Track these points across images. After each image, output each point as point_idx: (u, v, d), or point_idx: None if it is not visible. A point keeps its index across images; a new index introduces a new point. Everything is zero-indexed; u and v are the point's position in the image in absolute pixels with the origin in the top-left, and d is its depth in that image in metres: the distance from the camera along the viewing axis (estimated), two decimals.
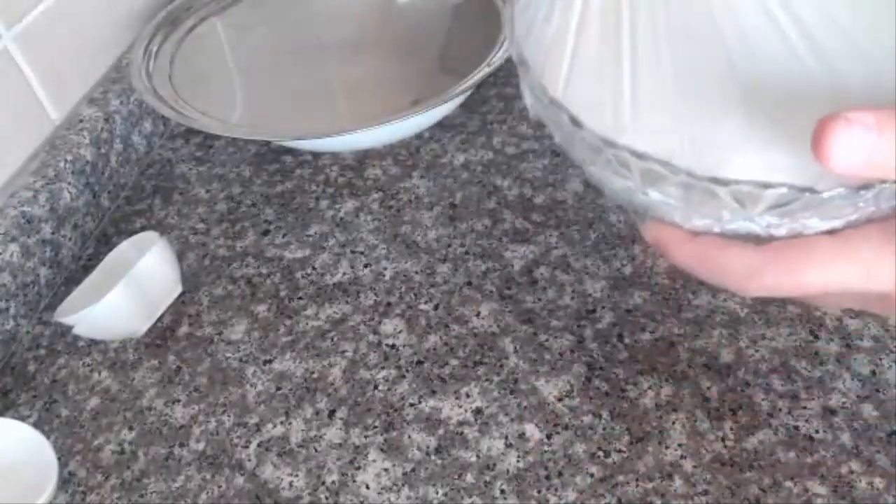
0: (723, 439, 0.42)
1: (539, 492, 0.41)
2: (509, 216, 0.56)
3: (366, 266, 0.55)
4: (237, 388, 0.49)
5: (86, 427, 0.48)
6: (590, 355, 0.47)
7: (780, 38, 0.23)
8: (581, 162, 0.28)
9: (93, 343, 0.53)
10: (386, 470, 0.43)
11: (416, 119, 0.57)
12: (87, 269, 0.56)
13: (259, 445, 0.45)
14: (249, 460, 0.45)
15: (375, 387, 0.47)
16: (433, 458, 0.43)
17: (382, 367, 0.48)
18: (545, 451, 0.43)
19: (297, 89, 0.67)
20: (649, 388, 0.45)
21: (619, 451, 0.42)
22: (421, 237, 0.56)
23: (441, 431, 0.44)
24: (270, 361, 0.50)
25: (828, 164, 0.21)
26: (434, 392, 0.46)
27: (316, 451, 0.45)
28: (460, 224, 0.57)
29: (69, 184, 0.59)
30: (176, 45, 0.68)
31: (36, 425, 0.47)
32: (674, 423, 0.43)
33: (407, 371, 0.48)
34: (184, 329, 0.53)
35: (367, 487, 0.42)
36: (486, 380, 0.46)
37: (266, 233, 0.59)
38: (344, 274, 0.55)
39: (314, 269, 0.55)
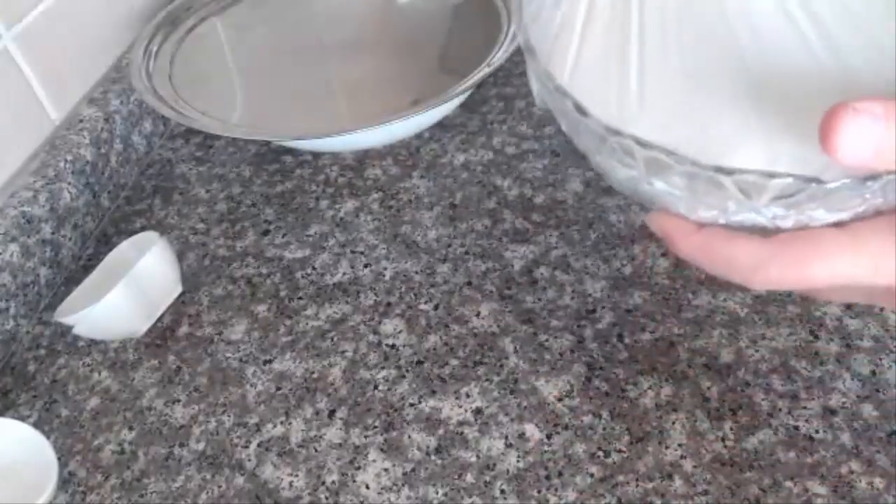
0: (723, 439, 0.42)
1: (539, 492, 0.41)
2: (509, 216, 0.56)
3: (366, 266, 0.55)
4: (237, 388, 0.49)
5: (86, 427, 0.48)
6: (590, 355, 0.47)
7: (792, 28, 0.23)
8: (586, 151, 0.28)
9: (93, 343, 0.53)
10: (386, 470, 0.43)
11: (416, 119, 0.57)
12: (87, 269, 0.56)
13: (259, 445, 0.45)
14: (249, 460, 0.45)
15: (375, 387, 0.47)
16: (433, 458, 0.43)
17: (382, 367, 0.48)
18: (545, 451, 0.43)
19: (297, 89, 0.67)
20: (649, 388, 0.45)
21: (619, 451, 0.42)
22: (421, 237, 0.56)
23: (441, 431, 0.44)
24: (270, 361, 0.50)
25: (835, 154, 0.21)
26: (434, 392, 0.46)
27: (316, 451, 0.45)
28: (460, 224, 0.57)
29: (69, 184, 0.59)
30: (176, 45, 0.68)
31: (36, 425, 0.47)
32: (674, 423, 0.43)
33: (407, 371, 0.48)
34: (184, 329, 0.53)
35: (367, 487, 0.42)
36: (486, 380, 0.46)
37: (266, 233, 0.59)
38: (344, 274, 0.55)
39: (314, 269, 0.55)
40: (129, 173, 0.66)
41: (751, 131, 0.23)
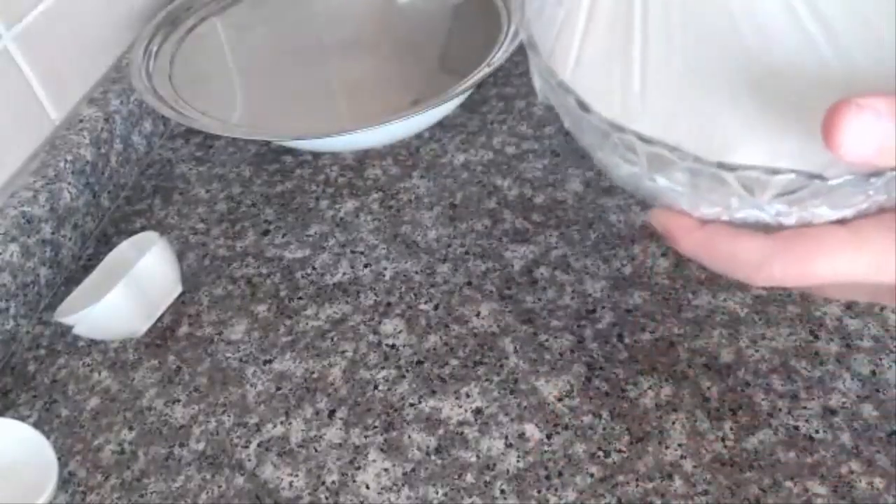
0: (723, 439, 0.42)
1: (539, 492, 0.41)
2: (509, 216, 0.56)
3: (366, 266, 0.55)
4: (237, 388, 0.49)
5: (86, 427, 0.48)
6: (590, 355, 0.47)
7: (797, 25, 0.23)
8: (589, 147, 0.28)
9: (93, 343, 0.53)
10: (386, 470, 0.43)
11: (416, 119, 0.57)
12: (87, 269, 0.56)
13: (259, 445, 0.45)
14: (249, 460, 0.45)
15: (375, 387, 0.47)
16: (433, 458, 0.43)
17: (382, 367, 0.48)
18: (545, 451, 0.43)
19: (297, 89, 0.67)
20: (649, 388, 0.45)
21: (619, 451, 0.42)
22: (421, 237, 0.56)
23: (441, 431, 0.44)
24: (270, 361, 0.50)
25: (838, 151, 0.21)
26: (434, 392, 0.46)
27: (316, 451, 0.45)
28: (460, 224, 0.57)
29: (69, 184, 0.59)
30: (176, 45, 0.68)
31: (36, 425, 0.47)
32: (674, 423, 0.43)
33: (407, 371, 0.48)
34: (184, 329, 0.53)
35: (367, 487, 0.42)
36: (486, 380, 0.46)
37: (266, 233, 0.59)
38: (344, 274, 0.55)
39: (314, 269, 0.55)
40: (129, 173, 0.66)
41: (754, 128, 0.23)
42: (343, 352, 0.49)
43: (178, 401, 0.48)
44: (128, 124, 0.66)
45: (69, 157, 0.59)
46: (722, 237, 0.26)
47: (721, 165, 0.23)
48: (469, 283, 0.52)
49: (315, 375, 0.48)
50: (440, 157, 0.63)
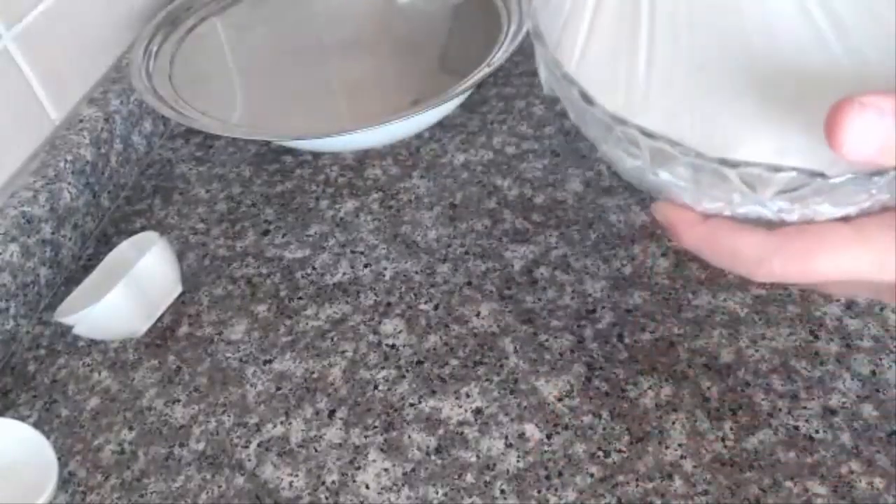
0: (723, 439, 0.42)
1: (539, 492, 0.41)
2: (509, 216, 0.56)
3: (366, 266, 0.55)
4: (237, 388, 0.49)
5: (86, 427, 0.48)
6: (590, 355, 0.47)
7: (808, 21, 0.23)
8: (593, 139, 0.28)
9: (93, 343, 0.53)
10: (386, 470, 0.43)
11: (416, 119, 0.57)
12: (87, 269, 0.56)
13: (259, 445, 0.45)
14: (249, 460, 0.45)
15: (375, 387, 0.47)
16: (433, 458, 0.43)
17: (382, 367, 0.48)
18: (545, 451, 0.43)
19: (297, 89, 0.67)
20: (649, 388, 0.45)
21: (619, 451, 0.42)
22: (421, 237, 0.56)
23: (441, 431, 0.44)
24: (270, 361, 0.50)
25: (840, 150, 0.20)
26: (434, 392, 0.46)
27: (316, 451, 0.45)
28: (460, 224, 0.57)
29: (69, 184, 0.59)
30: (176, 45, 0.68)
31: (36, 425, 0.47)
32: (674, 423, 0.43)
33: (407, 371, 0.48)
34: (184, 329, 0.53)
35: (367, 487, 0.42)
36: (486, 380, 0.46)
37: (266, 233, 0.59)
38: (344, 274, 0.55)
39: (314, 269, 0.55)
40: (129, 173, 0.66)
41: (760, 123, 0.23)
42: (343, 352, 0.49)
43: (178, 401, 0.48)
44: (128, 124, 0.66)
45: (69, 157, 0.59)
46: (724, 232, 0.26)
47: (723, 162, 0.23)
48: (469, 283, 0.52)
49: (315, 375, 0.48)
50: (440, 157, 0.63)
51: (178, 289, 0.54)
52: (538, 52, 0.28)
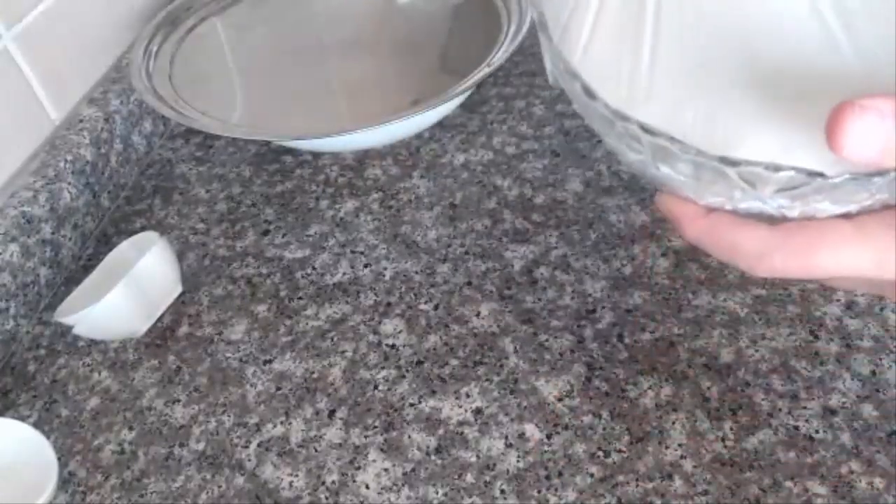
0: (723, 439, 0.42)
1: (539, 492, 0.41)
2: (509, 216, 0.56)
3: (366, 266, 0.55)
4: (237, 388, 0.49)
5: (86, 427, 0.48)
6: (590, 355, 0.47)
7: (818, 22, 0.23)
8: (598, 131, 0.28)
9: (93, 343, 0.53)
10: (386, 470, 0.43)
11: (416, 119, 0.57)
12: (87, 269, 0.56)
13: (259, 445, 0.45)
14: (249, 460, 0.45)
15: (375, 387, 0.47)
16: (433, 458, 0.43)
17: (382, 367, 0.48)
18: (545, 451, 0.43)
19: (297, 89, 0.67)
20: (649, 388, 0.45)
21: (619, 451, 0.42)
22: (421, 237, 0.56)
23: (441, 431, 0.44)
24: (270, 361, 0.50)
25: (841, 153, 0.21)
26: (434, 392, 0.46)
27: (316, 451, 0.45)
28: (460, 224, 0.57)
29: (69, 184, 0.59)
30: (176, 45, 0.68)
31: (36, 425, 0.47)
32: (674, 423, 0.43)
33: (407, 371, 0.48)
34: (184, 329, 0.53)
35: (367, 487, 0.42)
36: (486, 380, 0.46)
37: (266, 233, 0.59)
38: (344, 274, 0.55)
39: (314, 269, 0.55)
40: (129, 173, 0.66)
41: (763, 120, 0.23)
42: (343, 352, 0.49)
43: (178, 401, 0.48)
44: (128, 124, 0.66)
45: (69, 157, 0.59)
46: (725, 226, 0.26)
47: (723, 160, 0.23)
48: (469, 283, 0.52)
49: (315, 375, 0.48)
50: (440, 157, 0.63)
51: (178, 289, 0.54)
52: (543, 44, 0.28)
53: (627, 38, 0.25)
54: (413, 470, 0.43)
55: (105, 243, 0.60)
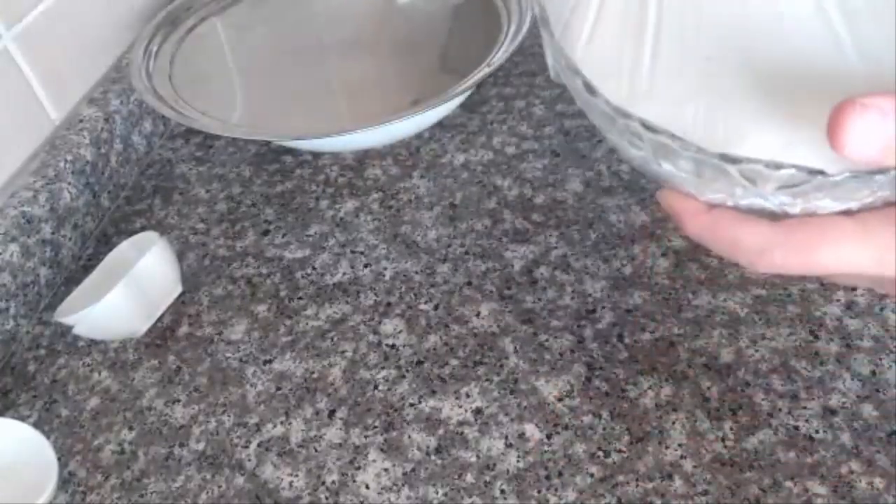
0: (723, 439, 0.42)
1: (539, 492, 0.41)
2: (509, 216, 0.56)
3: (366, 266, 0.55)
4: (237, 388, 0.49)
5: (86, 427, 0.48)
6: (590, 355, 0.47)
7: (822, 20, 0.23)
8: (599, 128, 0.28)
9: (93, 343, 0.53)
10: (386, 470, 0.43)
11: (416, 119, 0.57)
12: (87, 269, 0.56)
13: (259, 445, 0.45)
14: (249, 460, 0.45)
15: (375, 387, 0.47)
16: (433, 458, 0.43)
17: (382, 367, 0.48)
18: (545, 451, 0.43)
19: (297, 89, 0.67)
20: (649, 388, 0.45)
21: (619, 451, 0.42)
22: (421, 237, 0.56)
23: (441, 431, 0.44)
24: (270, 361, 0.50)
25: (842, 151, 0.21)
26: (434, 392, 0.46)
27: (316, 451, 0.45)
28: (460, 224, 0.57)
29: (69, 184, 0.59)
30: (176, 45, 0.68)
31: (36, 425, 0.47)
32: (674, 423, 0.43)
33: (407, 371, 0.48)
34: (184, 329, 0.53)
35: (367, 487, 0.42)
36: (486, 380, 0.46)
37: (266, 233, 0.59)
38: (344, 274, 0.55)
39: (314, 269, 0.55)
40: (129, 173, 0.66)
41: (764, 117, 0.23)
42: (343, 352, 0.49)
43: (178, 401, 0.48)
44: (128, 124, 0.66)
45: (69, 157, 0.59)
46: (726, 222, 0.26)
47: (724, 157, 0.23)
48: (469, 283, 0.52)
49: (315, 375, 0.48)
50: (440, 157, 0.63)
51: (178, 289, 0.54)
52: (545, 39, 0.28)
53: (629, 34, 0.25)
54: (413, 470, 0.43)
55: (105, 243, 0.60)
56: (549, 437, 0.43)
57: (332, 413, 0.46)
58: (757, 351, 0.45)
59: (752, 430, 0.42)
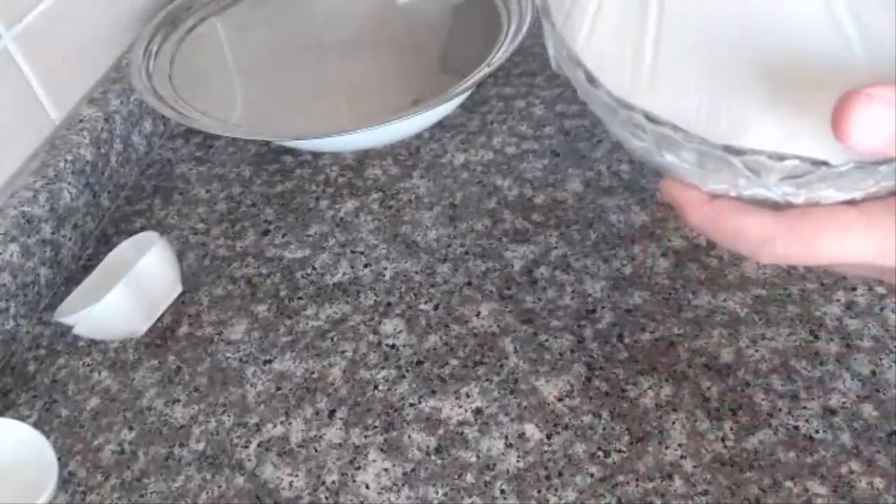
0: (723, 439, 0.42)
1: (539, 492, 0.41)
2: (509, 216, 0.56)
3: (366, 266, 0.55)
4: (237, 388, 0.49)
5: (86, 427, 0.48)
6: (590, 355, 0.47)
7: (826, 10, 0.23)
8: (602, 119, 0.28)
9: (93, 343, 0.53)
10: (386, 470, 0.43)
11: (416, 119, 0.57)
12: (87, 269, 0.56)
13: (259, 445, 0.45)
14: (249, 460, 0.45)
15: (375, 387, 0.47)
16: (433, 458, 0.43)
17: (382, 367, 0.48)
18: (545, 451, 0.43)
19: (297, 89, 0.67)
20: (649, 388, 0.45)
21: (619, 451, 0.42)
22: (421, 237, 0.56)
23: (441, 431, 0.44)
24: (270, 361, 0.50)
25: (847, 142, 0.20)
26: (434, 392, 0.46)
27: (316, 451, 0.45)
28: (460, 224, 0.57)
29: (69, 184, 0.59)
30: (176, 45, 0.68)
31: (36, 425, 0.47)
32: (674, 423, 0.43)
33: (407, 371, 0.48)
34: (184, 329, 0.53)
35: (367, 487, 0.42)
36: (486, 380, 0.46)
37: (266, 233, 0.59)
38: (344, 274, 0.55)
39: (314, 269, 0.55)
40: (129, 173, 0.66)
41: (768, 107, 0.23)
42: (343, 352, 0.49)
43: (178, 401, 0.48)
44: (128, 124, 0.66)
45: (69, 157, 0.59)
46: (729, 212, 0.26)
47: (727, 149, 0.23)
48: (469, 283, 0.52)
49: (315, 375, 0.48)
50: (440, 157, 0.63)
51: (178, 289, 0.54)
52: (546, 30, 0.28)
53: (631, 25, 0.25)
54: (413, 470, 0.43)
55: (105, 243, 0.60)
56: (549, 437, 0.43)
57: (332, 413, 0.46)
58: (757, 351, 0.45)
59: (752, 430, 0.42)
